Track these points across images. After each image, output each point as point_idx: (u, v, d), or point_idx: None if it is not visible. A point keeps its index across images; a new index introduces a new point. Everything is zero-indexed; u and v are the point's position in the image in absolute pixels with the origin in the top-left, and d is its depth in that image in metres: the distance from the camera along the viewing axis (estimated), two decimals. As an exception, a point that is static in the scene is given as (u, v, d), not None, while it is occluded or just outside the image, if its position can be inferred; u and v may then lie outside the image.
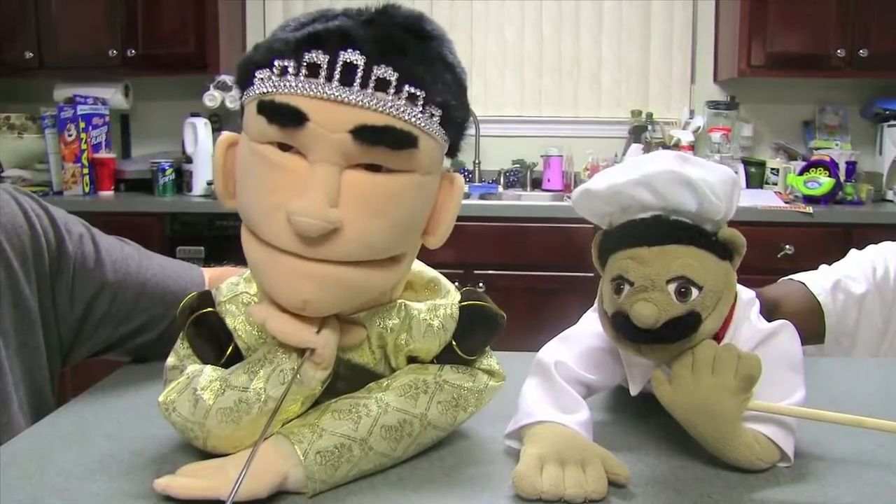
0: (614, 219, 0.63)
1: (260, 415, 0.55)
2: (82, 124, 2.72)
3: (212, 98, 2.71)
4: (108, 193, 2.74)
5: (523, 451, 0.59)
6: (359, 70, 0.49)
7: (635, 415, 0.71)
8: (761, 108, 2.97)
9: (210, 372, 0.58)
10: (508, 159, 3.00)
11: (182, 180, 2.74)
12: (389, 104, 0.50)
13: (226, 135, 0.56)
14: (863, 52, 2.60)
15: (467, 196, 2.80)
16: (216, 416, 0.56)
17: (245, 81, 0.53)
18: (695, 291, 0.57)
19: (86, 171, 2.72)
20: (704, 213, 0.59)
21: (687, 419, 0.59)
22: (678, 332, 0.58)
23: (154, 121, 3.06)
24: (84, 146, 2.72)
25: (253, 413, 0.55)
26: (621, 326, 0.59)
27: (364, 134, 0.49)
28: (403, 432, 0.58)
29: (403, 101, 0.50)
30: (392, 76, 0.50)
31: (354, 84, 0.49)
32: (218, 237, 2.50)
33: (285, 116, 0.49)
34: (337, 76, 0.49)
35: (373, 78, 0.49)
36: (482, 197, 2.79)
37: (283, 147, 0.51)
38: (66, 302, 0.80)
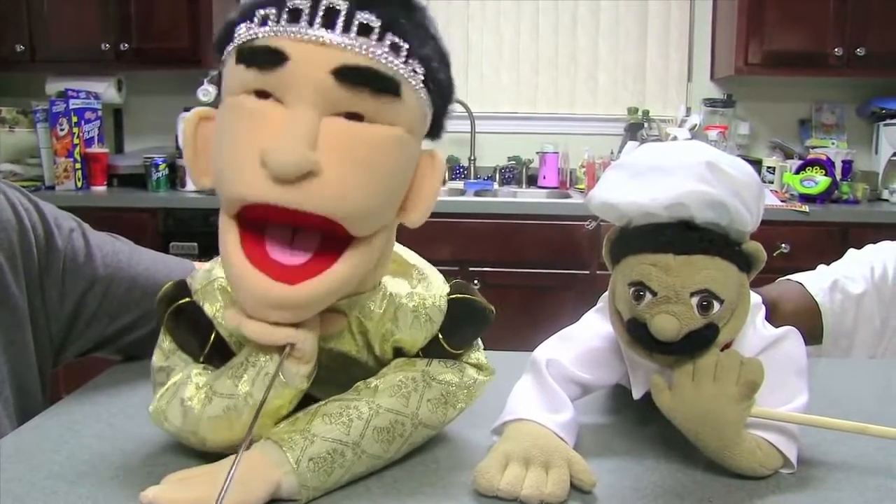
0: (635, 220, 0.60)
1: (252, 417, 0.54)
2: (74, 119, 2.70)
3: (206, 93, 2.69)
4: (100, 188, 2.72)
5: (494, 447, 0.59)
6: (341, 13, 0.48)
7: (636, 417, 0.70)
8: (758, 106, 2.97)
9: (195, 378, 0.57)
10: (504, 156, 2.99)
11: (176, 175, 2.73)
12: (373, 48, 0.49)
13: (198, 108, 0.55)
14: (860, 51, 2.60)
15: (462, 193, 2.79)
16: (207, 423, 0.55)
17: (225, 43, 0.52)
18: (716, 305, 0.56)
19: (78, 165, 2.70)
20: (732, 225, 0.57)
21: (688, 427, 0.58)
22: (696, 345, 0.57)
23: (147, 115, 3.04)
24: (76, 141, 2.70)
25: (245, 417, 0.54)
26: (637, 334, 0.58)
27: (346, 74, 0.48)
28: (395, 433, 0.57)
29: (387, 49, 0.49)
30: (375, 23, 0.49)
31: (336, 26, 0.48)
32: (211, 233, 2.45)
33: (264, 56, 0.48)
34: (319, 20, 0.48)
35: (356, 22, 0.48)
36: (477, 194, 2.77)
37: (261, 96, 0.49)
38: (56, 298, 0.78)
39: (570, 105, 3.03)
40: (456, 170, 2.97)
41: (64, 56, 2.76)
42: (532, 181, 2.96)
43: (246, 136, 0.49)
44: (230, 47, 0.51)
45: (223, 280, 0.58)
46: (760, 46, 2.64)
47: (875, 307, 1.04)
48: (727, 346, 0.61)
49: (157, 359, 0.60)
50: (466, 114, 2.91)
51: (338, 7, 0.48)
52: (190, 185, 2.67)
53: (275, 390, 0.54)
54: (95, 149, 2.76)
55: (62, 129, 2.68)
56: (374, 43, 0.49)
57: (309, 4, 0.48)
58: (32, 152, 2.82)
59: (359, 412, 0.56)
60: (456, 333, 0.60)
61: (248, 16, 0.50)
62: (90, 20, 2.74)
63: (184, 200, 2.58)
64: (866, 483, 0.58)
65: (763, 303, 0.66)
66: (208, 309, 0.58)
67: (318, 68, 0.48)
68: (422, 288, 0.60)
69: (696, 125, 2.83)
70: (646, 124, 2.86)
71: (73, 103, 2.70)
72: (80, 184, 2.70)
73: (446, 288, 0.61)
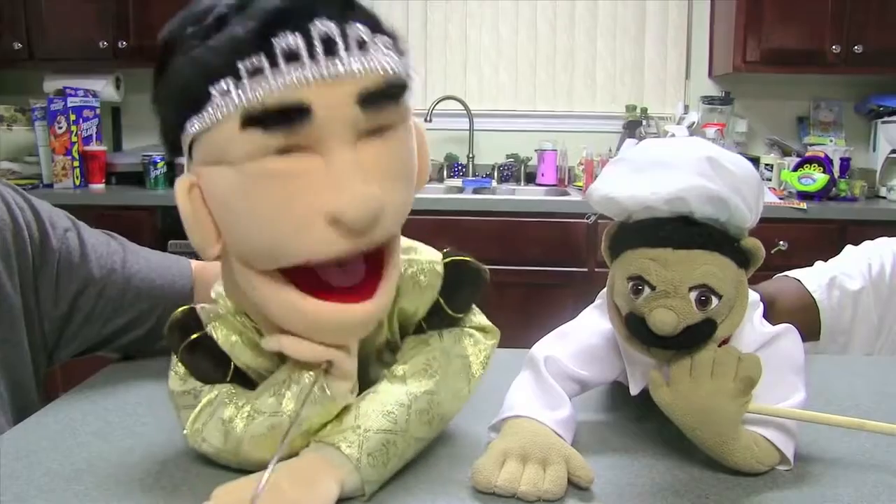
0: (636, 214, 0.60)
1: (297, 436, 0.54)
2: (73, 116, 2.69)
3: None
4: (99, 186, 2.72)
5: (491, 444, 0.59)
6: (336, 38, 0.45)
7: (633, 414, 0.70)
8: (756, 104, 2.97)
9: (232, 398, 0.57)
10: (502, 153, 2.99)
11: (174, 173, 2.72)
12: (376, 60, 0.47)
13: (181, 183, 0.50)
14: (858, 49, 2.60)
15: (461, 190, 2.79)
16: (250, 443, 0.55)
17: (193, 107, 0.46)
18: (714, 300, 0.56)
19: (76, 163, 2.69)
20: (731, 220, 0.57)
21: (685, 423, 0.58)
22: (694, 340, 0.57)
23: (145, 113, 2.95)
24: (74, 139, 2.69)
25: (289, 435, 0.54)
26: (635, 328, 0.58)
27: (371, 99, 0.46)
28: (434, 413, 0.58)
29: (382, 52, 0.47)
30: (366, 33, 0.46)
31: (339, 52, 0.45)
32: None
33: (289, 114, 0.44)
34: (320, 52, 0.44)
35: (352, 40, 0.46)
36: (476, 191, 2.77)
37: (283, 151, 0.46)
38: (49, 298, 0.78)
39: (569, 103, 3.03)
40: (454, 167, 2.97)
41: (62, 54, 2.75)
42: (530, 179, 2.96)
43: (295, 201, 0.46)
44: (212, 115, 0.45)
45: (232, 316, 0.58)
46: (758, 44, 2.63)
47: (872, 304, 1.04)
48: (725, 342, 0.61)
49: (174, 384, 0.58)
50: (465, 111, 2.91)
51: (330, 33, 0.45)
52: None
53: (322, 407, 0.54)
54: (94, 147, 2.75)
55: (60, 128, 2.68)
56: (373, 54, 0.46)
57: (302, 37, 0.44)
58: (31, 150, 2.81)
59: (398, 400, 0.57)
60: (456, 296, 0.61)
61: (225, 69, 0.44)
62: (88, 18, 2.73)
63: (182, 198, 2.57)
64: (864, 479, 0.58)
65: (761, 300, 0.66)
66: (223, 342, 0.58)
67: (344, 104, 0.45)
68: (416, 255, 0.61)
69: (694, 123, 2.82)
70: (644, 122, 2.86)
71: (72, 101, 2.70)
72: (78, 182, 2.70)
73: (439, 255, 0.62)
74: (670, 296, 0.56)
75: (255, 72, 0.44)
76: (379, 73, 0.46)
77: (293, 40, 0.44)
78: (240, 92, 0.44)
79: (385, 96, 0.47)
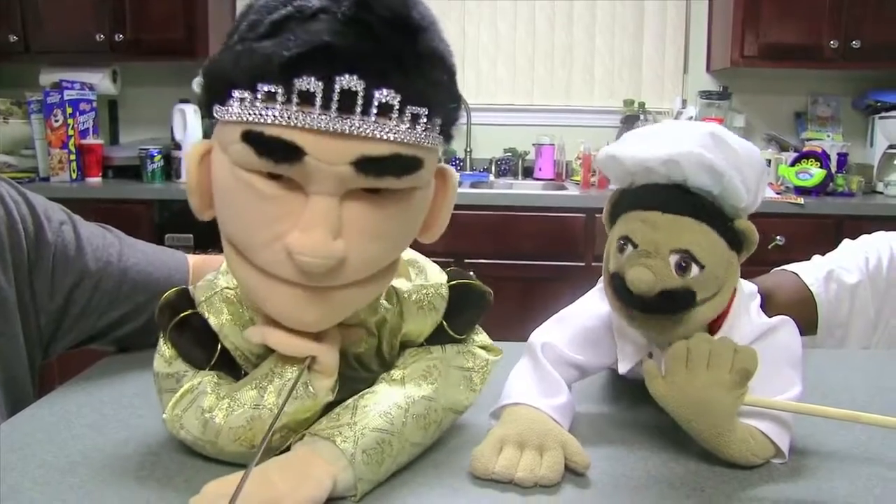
0: (637, 180, 0.61)
1: (276, 430, 0.54)
2: (69, 110, 2.68)
3: (201, 84, 2.67)
4: (95, 180, 2.71)
5: (490, 431, 0.59)
6: (359, 95, 0.44)
7: (629, 406, 0.71)
8: (754, 99, 2.97)
9: (213, 387, 0.57)
10: (500, 148, 2.99)
11: (171, 167, 2.72)
12: (394, 130, 0.46)
13: (196, 148, 0.52)
14: (855, 44, 2.60)
15: (458, 184, 2.79)
16: (228, 434, 0.55)
17: (218, 96, 0.48)
18: (695, 268, 0.57)
19: (73, 157, 2.69)
20: (726, 197, 0.58)
21: (681, 414, 0.58)
22: (670, 306, 0.58)
23: (142, 107, 3.03)
24: (71, 132, 2.68)
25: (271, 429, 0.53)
26: (617, 288, 0.59)
27: (367, 166, 0.46)
28: (430, 419, 0.58)
29: (407, 125, 0.46)
30: (395, 99, 0.45)
31: (355, 111, 0.45)
32: (207, 225, 2.46)
33: (279, 152, 0.45)
34: (335, 105, 0.44)
35: (374, 104, 0.45)
36: (473, 185, 2.77)
37: (273, 174, 0.47)
38: (45, 291, 0.78)
39: (567, 97, 3.03)
40: (452, 161, 2.97)
41: (58, 47, 2.74)
42: (528, 173, 2.96)
43: (267, 221, 0.48)
44: (228, 113, 0.47)
45: (228, 291, 0.58)
46: (756, 39, 2.63)
47: (869, 298, 1.04)
48: (717, 327, 0.61)
49: (159, 365, 0.59)
50: (463, 106, 2.91)
51: (354, 89, 0.44)
52: (185, 177, 2.65)
53: (301, 403, 0.54)
54: (90, 140, 2.75)
55: (57, 121, 2.67)
56: (394, 124, 0.46)
57: (322, 87, 0.44)
58: (27, 144, 2.80)
59: (395, 402, 0.57)
60: (459, 318, 0.62)
61: (247, 83, 0.45)
62: (84, 10, 2.72)
63: (179, 192, 2.57)
64: (858, 473, 0.59)
65: (758, 292, 0.66)
66: (213, 321, 0.58)
67: (338, 160, 0.45)
68: (421, 279, 0.61)
69: (691, 117, 2.82)
70: (641, 116, 2.86)
71: (68, 94, 2.69)
72: (74, 175, 2.69)
73: (444, 276, 0.62)
74: (651, 256, 0.57)
75: (269, 97, 0.45)
76: (386, 141, 0.46)
77: (312, 85, 0.44)
78: (250, 109, 0.46)
79: (385, 169, 0.47)
